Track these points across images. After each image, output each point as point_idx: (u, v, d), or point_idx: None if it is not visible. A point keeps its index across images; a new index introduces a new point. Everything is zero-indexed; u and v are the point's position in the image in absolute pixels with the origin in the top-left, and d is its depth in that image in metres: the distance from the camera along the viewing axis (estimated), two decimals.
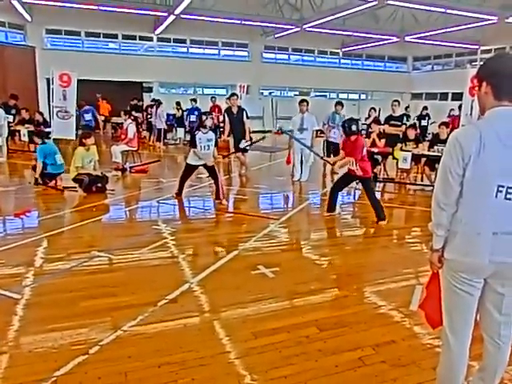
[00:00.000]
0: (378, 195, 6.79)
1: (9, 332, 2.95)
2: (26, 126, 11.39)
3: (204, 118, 6.87)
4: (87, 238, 5.18)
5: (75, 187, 7.20)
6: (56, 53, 17.71)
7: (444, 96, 21.94)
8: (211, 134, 6.90)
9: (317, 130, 9.08)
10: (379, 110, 13.25)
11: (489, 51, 19.87)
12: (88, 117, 13.32)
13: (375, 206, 5.95)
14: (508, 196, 1.82)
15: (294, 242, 5.36)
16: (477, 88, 1.97)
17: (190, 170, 7.02)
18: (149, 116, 14.70)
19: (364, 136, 8.40)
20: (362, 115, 20.49)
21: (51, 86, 10.43)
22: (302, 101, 8.87)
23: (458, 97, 15.80)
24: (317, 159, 8.40)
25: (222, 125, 11.25)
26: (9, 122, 11.47)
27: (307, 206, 7.01)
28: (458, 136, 1.89)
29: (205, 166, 6.92)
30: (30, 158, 10.62)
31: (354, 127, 5.92)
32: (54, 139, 9.80)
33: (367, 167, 5.97)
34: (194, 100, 14.78)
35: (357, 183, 6.65)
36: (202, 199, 7.33)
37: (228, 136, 9.25)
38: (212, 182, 7.08)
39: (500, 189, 1.82)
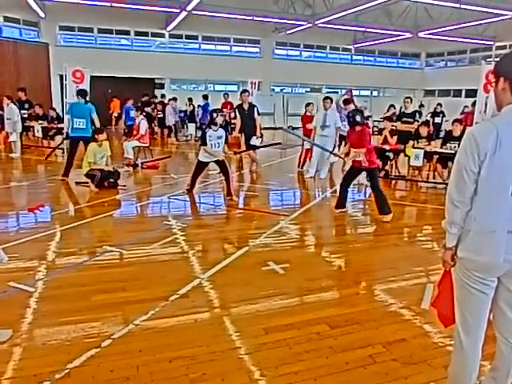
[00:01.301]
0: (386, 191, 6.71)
1: (23, 324, 2.99)
2: (40, 121, 11.53)
3: (215, 115, 6.83)
4: (99, 232, 5.23)
5: (87, 182, 7.28)
6: (69, 49, 17.88)
7: (457, 93, 21.68)
8: (221, 132, 6.89)
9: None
10: (400, 108, 13.13)
11: (504, 47, 19.57)
12: (133, 113, 13.27)
13: (379, 198, 5.92)
14: None
15: (304, 239, 5.35)
16: (494, 84, 1.94)
17: (201, 166, 7.03)
18: (159, 113, 14.76)
19: (376, 132, 8.34)
20: (373, 112, 20.40)
21: (64, 83, 10.52)
22: (326, 98, 8.86)
23: (471, 93, 15.58)
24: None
25: (233, 121, 11.26)
26: (24, 118, 11.62)
27: (317, 203, 6.99)
28: (474, 133, 1.86)
29: (216, 161, 6.92)
30: (44, 153, 10.77)
31: (358, 118, 5.88)
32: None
33: (373, 158, 5.96)
34: (205, 96, 14.82)
35: (368, 180, 6.60)
36: (212, 195, 7.35)
37: (239, 132, 9.26)
38: (223, 178, 7.09)
39: None
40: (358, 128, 5.92)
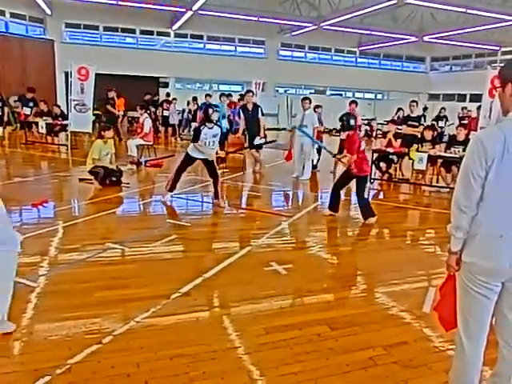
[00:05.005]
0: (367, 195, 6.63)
1: (24, 319, 3.00)
2: (44, 118, 11.56)
3: (210, 111, 6.26)
4: (102, 229, 5.24)
5: (91, 179, 7.29)
6: (74, 46, 17.93)
7: (462, 97, 21.66)
8: (217, 129, 6.36)
9: (333, 129, 8.99)
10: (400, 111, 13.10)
11: (510, 52, 19.54)
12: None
13: (363, 207, 5.93)
14: None
15: (306, 240, 5.34)
16: (500, 89, 1.93)
17: (189, 161, 6.48)
18: (164, 111, 14.78)
19: (380, 135, 8.32)
20: (377, 115, 20.36)
21: (69, 80, 10.52)
22: (304, 98, 8.88)
23: (476, 98, 15.58)
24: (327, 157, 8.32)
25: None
26: (26, 115, 11.69)
27: (320, 205, 6.98)
28: (481, 137, 1.86)
29: (205, 160, 6.42)
30: (48, 149, 10.80)
31: (352, 122, 5.80)
32: None
33: (363, 165, 5.84)
34: (209, 95, 14.82)
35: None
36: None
37: (242, 133, 9.26)
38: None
39: None
40: (350, 133, 5.84)
